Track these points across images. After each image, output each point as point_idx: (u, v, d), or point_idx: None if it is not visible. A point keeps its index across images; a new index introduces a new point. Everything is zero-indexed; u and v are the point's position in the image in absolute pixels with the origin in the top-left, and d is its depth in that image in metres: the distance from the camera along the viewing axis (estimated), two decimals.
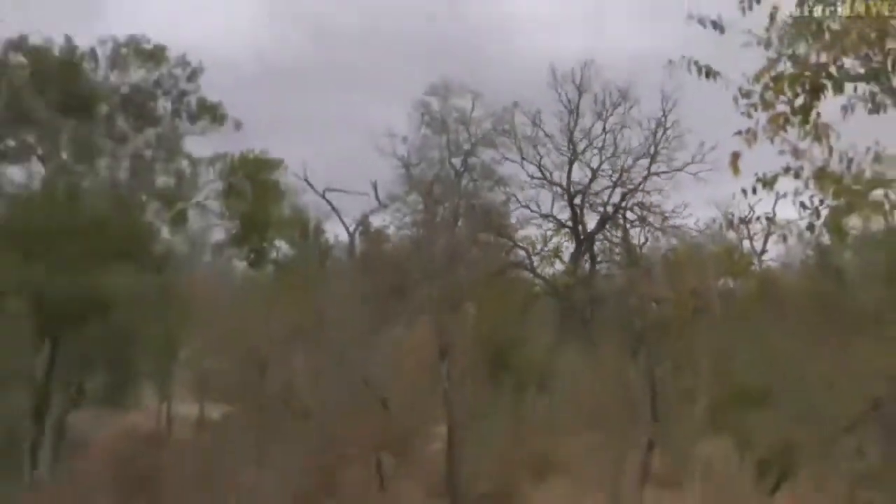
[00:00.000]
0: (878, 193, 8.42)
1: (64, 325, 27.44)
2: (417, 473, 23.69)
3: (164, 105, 29.73)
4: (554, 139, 43.17)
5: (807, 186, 8.56)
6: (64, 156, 29.24)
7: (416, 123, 34.37)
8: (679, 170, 42.02)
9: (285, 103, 51.32)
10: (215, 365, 31.62)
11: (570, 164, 43.91)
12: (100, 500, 25.59)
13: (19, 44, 26.91)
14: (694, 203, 40.72)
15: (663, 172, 42.77)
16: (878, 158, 8.54)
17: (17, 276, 25.52)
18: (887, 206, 8.54)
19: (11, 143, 29.16)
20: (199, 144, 30.45)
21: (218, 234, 33.64)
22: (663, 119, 41.91)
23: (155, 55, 29.48)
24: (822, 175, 8.46)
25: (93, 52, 29.03)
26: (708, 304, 27.71)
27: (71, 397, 30.13)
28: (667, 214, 41.83)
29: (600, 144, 43.64)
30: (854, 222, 8.89)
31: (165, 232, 30.94)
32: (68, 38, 28.62)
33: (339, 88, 54.21)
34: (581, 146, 43.69)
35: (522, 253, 41.78)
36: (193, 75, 29.68)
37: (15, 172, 29.75)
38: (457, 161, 33.82)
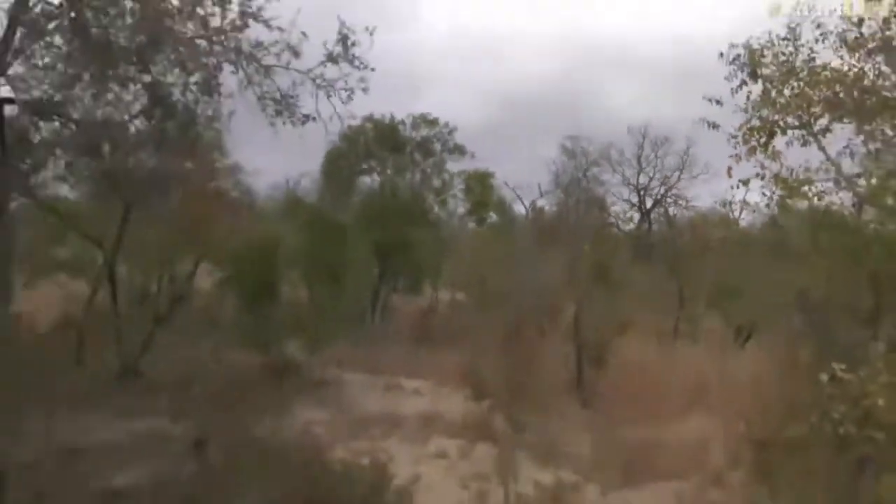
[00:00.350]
0: (805, 188, 8.20)
1: (388, 255, 28.18)
2: (559, 330, 23.64)
3: (437, 146, 30.14)
4: (630, 161, 43.24)
5: (767, 184, 8.38)
6: (389, 171, 29.99)
7: (560, 154, 34.03)
8: (695, 176, 41.60)
9: (493, 142, 51.91)
10: (460, 273, 31.99)
11: (638, 173, 43.94)
12: (403, 338, 26.34)
13: (370, 118, 27.53)
14: (703, 195, 40.10)
15: (687, 178, 42.46)
16: (806, 169, 8.31)
17: (368, 233, 26.37)
18: (810, 195, 8.31)
19: (365, 166, 30.07)
20: (454, 165, 30.90)
21: (462, 210, 34.13)
22: (687, 150, 41.63)
23: (432, 122, 29.86)
24: (776, 178, 8.26)
25: (403, 121, 29.60)
26: (711, 246, 26.98)
27: (390, 289, 30.92)
28: (689, 200, 41.46)
29: (654, 163, 43.59)
30: (791, 203, 8.69)
31: (436, 209, 31.50)
32: (392, 115, 29.21)
33: (520, 133, 54.20)
34: (644, 164, 43.69)
35: (613, 219, 41.71)
36: (451, 132, 30.01)
37: (365, 181, 30.83)
38: (579, 173, 33.46)
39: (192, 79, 9.89)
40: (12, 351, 10.48)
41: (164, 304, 19.20)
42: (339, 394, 18.79)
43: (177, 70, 9.89)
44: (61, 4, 9.13)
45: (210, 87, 9.88)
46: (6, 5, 9.04)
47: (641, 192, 44.03)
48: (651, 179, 43.84)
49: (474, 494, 11.43)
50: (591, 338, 21.43)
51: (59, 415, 12.59)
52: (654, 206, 44.08)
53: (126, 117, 10.79)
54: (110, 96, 10.47)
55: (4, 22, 9.10)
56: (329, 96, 10.33)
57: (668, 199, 43.79)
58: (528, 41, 70.00)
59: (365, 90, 10.56)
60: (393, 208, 28.05)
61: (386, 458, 11.54)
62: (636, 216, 44.19)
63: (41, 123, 11.08)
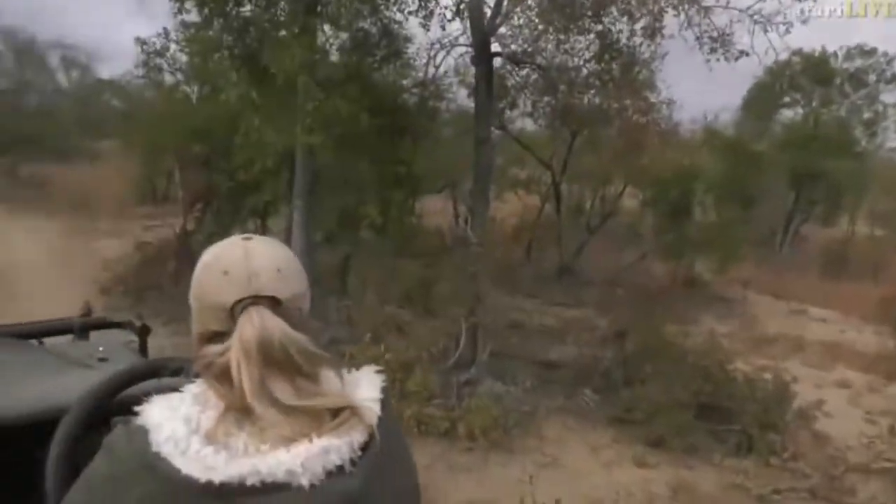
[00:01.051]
0: None
1: (804, 184, 24.63)
2: None
3: (871, 77, 24.83)
4: None
5: None
6: (814, 104, 25.58)
7: None
8: None
9: None
10: (884, 206, 26.32)
11: None
12: (812, 267, 23.16)
13: (798, 52, 23.27)
14: None
15: None
16: None
17: (786, 162, 23.29)
18: None
19: (787, 99, 26.14)
20: (888, 96, 25.26)
21: (894, 143, 27.95)
22: None
23: (869, 53, 24.28)
24: None
25: (835, 53, 24.60)
26: None
27: (803, 218, 27.03)
28: None
29: None
30: None
31: (864, 143, 26.14)
32: (823, 48, 24.31)
33: None
34: None
35: None
36: (890, 61, 24.23)
37: (786, 113, 26.82)
38: None
39: (638, 25, 9.66)
40: (487, 245, 11.74)
41: (596, 218, 19.72)
42: (742, 311, 17.71)
43: (625, 18, 9.73)
44: None
45: (653, 30, 9.54)
46: None
47: None
48: None
49: (885, 430, 9.66)
50: None
51: (511, 297, 14.06)
52: None
53: (580, 62, 11.04)
54: (567, 46, 10.80)
55: None
56: (766, 31, 9.18)
57: None
58: None
59: (804, 22, 9.18)
60: (815, 139, 24.05)
61: (788, 377, 10.30)
62: None
63: (515, 70, 11.98)
